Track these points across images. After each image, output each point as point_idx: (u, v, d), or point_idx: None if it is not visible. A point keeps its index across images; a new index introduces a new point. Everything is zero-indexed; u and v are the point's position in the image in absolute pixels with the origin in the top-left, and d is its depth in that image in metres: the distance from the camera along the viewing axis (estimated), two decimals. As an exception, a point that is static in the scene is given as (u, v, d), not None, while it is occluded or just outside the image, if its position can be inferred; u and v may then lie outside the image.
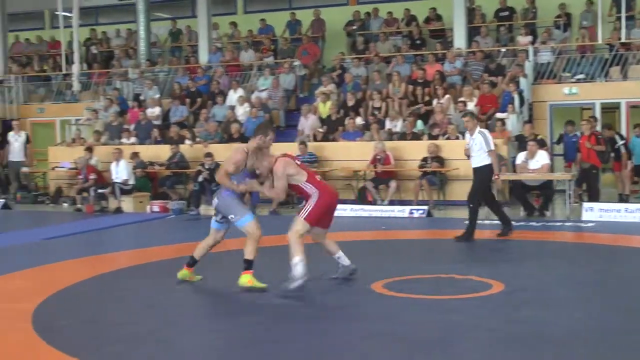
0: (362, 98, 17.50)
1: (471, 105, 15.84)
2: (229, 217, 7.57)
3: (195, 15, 22.42)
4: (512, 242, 10.57)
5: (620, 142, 14.87)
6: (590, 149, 13.83)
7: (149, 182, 16.53)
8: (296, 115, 17.96)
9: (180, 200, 15.65)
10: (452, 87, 17.13)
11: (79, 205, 16.00)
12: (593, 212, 12.78)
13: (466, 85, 16.97)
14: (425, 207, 13.90)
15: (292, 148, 15.53)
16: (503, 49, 18.39)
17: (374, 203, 14.90)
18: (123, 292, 7.85)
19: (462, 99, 16.03)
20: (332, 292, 7.56)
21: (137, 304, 7.35)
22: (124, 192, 15.65)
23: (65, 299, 7.49)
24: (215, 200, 7.70)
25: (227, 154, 8.29)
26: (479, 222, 10.78)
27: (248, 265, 7.45)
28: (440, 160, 14.78)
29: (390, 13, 21.21)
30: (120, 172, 15.75)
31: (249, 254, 7.46)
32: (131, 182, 15.82)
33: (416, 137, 15.73)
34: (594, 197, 13.67)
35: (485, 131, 10.82)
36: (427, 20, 20.68)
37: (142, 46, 21.63)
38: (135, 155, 16.55)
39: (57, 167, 18.07)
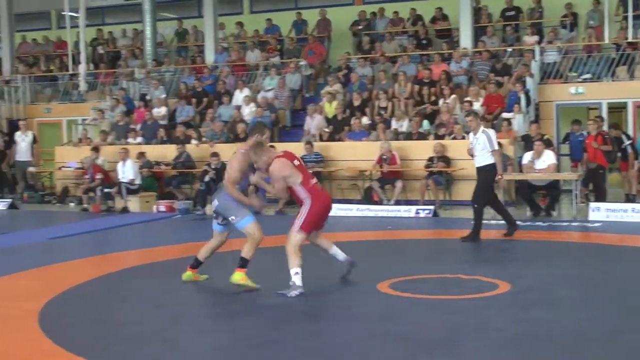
0: (368, 98, 17.49)
1: (477, 105, 15.81)
2: (230, 218, 7.54)
3: (202, 15, 22.43)
4: (519, 242, 10.55)
5: (627, 142, 14.82)
6: (597, 148, 13.79)
7: (155, 181, 16.56)
8: (302, 115, 17.97)
9: (187, 200, 15.67)
10: (458, 87, 17.11)
11: (85, 205, 16.03)
12: (600, 212, 12.75)
13: (472, 85, 16.94)
14: (432, 207, 13.89)
15: (298, 148, 15.55)
16: (509, 49, 18.36)
17: (380, 203, 14.90)
18: (129, 292, 7.87)
19: (468, 98, 16.00)
20: (338, 292, 7.56)
21: (143, 303, 7.36)
22: (131, 191, 15.68)
23: (72, 298, 7.51)
24: (215, 202, 7.65)
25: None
26: (485, 222, 10.76)
27: (243, 263, 7.44)
28: (447, 160, 14.77)
29: (396, 13, 21.20)
30: (127, 171, 15.78)
31: (246, 253, 7.45)
32: (137, 181, 15.85)
33: (422, 137, 15.72)
34: (601, 197, 13.63)
35: (489, 131, 10.78)
36: (433, 20, 20.66)
37: (148, 46, 21.66)
38: (141, 155, 16.58)
39: (63, 167, 18.11)
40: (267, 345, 5.80)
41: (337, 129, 16.63)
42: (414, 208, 13.98)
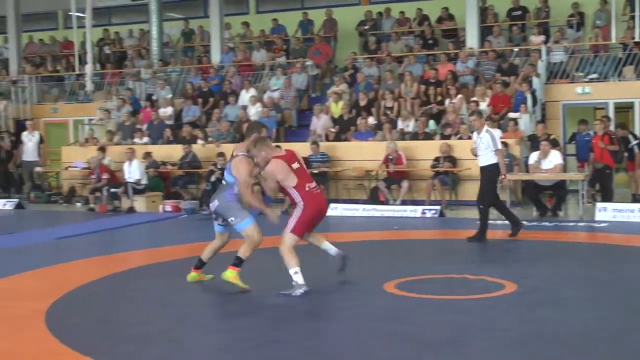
0: (374, 98, 17.48)
1: (484, 105, 15.80)
2: (229, 219, 7.53)
3: (208, 16, 22.45)
4: (525, 243, 10.53)
5: (634, 142, 14.78)
6: (604, 148, 13.77)
7: (161, 181, 16.58)
8: (308, 115, 17.97)
9: (193, 200, 15.69)
10: (465, 87, 17.10)
11: (91, 205, 16.06)
12: (606, 212, 12.72)
13: (478, 85, 16.92)
14: (438, 207, 13.88)
15: (305, 148, 15.57)
16: (516, 49, 18.33)
17: (386, 203, 14.89)
18: (135, 292, 7.88)
19: (474, 98, 15.99)
20: (344, 292, 7.56)
21: (149, 303, 7.37)
22: (137, 191, 15.70)
23: (78, 298, 7.53)
24: (215, 202, 7.62)
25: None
26: (490, 222, 10.74)
27: (238, 262, 7.44)
28: (453, 160, 14.75)
29: (402, 13, 21.19)
30: (133, 171, 15.81)
31: (242, 253, 7.45)
32: (144, 181, 15.88)
33: (428, 137, 15.71)
34: (607, 197, 13.60)
35: (492, 130, 10.76)
36: (440, 20, 20.64)
37: (154, 46, 21.69)
38: (147, 155, 16.60)
39: (70, 166, 18.15)
40: (272, 345, 5.80)
41: (343, 129, 16.63)
42: (420, 208, 13.97)
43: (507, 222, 11.13)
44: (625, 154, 14.60)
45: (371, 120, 16.62)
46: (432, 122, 16.10)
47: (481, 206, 10.59)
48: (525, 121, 15.51)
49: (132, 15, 25.48)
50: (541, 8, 19.87)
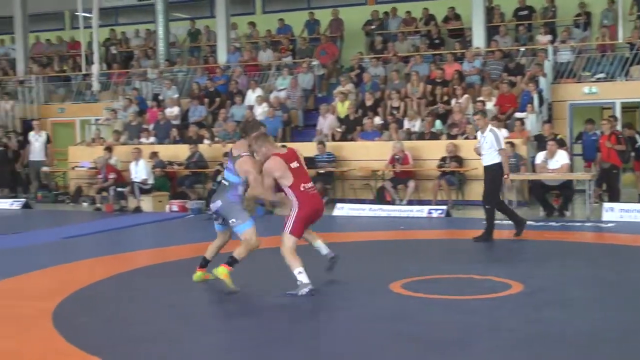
0: (380, 98, 17.47)
1: (490, 105, 15.78)
2: (230, 221, 7.53)
3: (214, 16, 22.47)
4: (531, 243, 10.52)
5: (641, 142, 14.76)
6: (611, 148, 13.75)
7: (168, 181, 16.60)
8: (314, 115, 17.98)
9: (199, 200, 15.71)
10: (471, 87, 17.07)
11: (98, 205, 16.10)
12: (613, 212, 12.69)
13: (485, 84, 16.90)
14: (444, 207, 13.87)
15: (311, 148, 15.58)
16: (522, 48, 18.30)
17: (392, 203, 14.88)
18: (142, 292, 7.90)
19: (481, 98, 15.96)
20: (350, 291, 7.55)
21: (156, 303, 7.38)
22: (143, 191, 15.73)
23: (85, 297, 7.54)
24: (218, 203, 7.61)
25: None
26: (497, 222, 10.73)
27: (232, 261, 7.44)
28: (459, 160, 14.74)
29: (408, 12, 21.18)
30: (140, 171, 15.83)
31: (237, 254, 7.45)
32: (150, 181, 15.90)
33: (435, 136, 15.69)
34: (615, 197, 13.57)
35: (497, 130, 10.75)
36: (446, 20, 20.62)
37: (161, 46, 21.72)
38: (154, 154, 16.63)
39: (77, 166, 18.19)
40: (277, 344, 5.80)
41: (350, 128, 16.63)
42: (426, 208, 13.96)
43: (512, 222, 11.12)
44: (633, 154, 14.58)
45: (377, 120, 16.62)
46: (438, 122, 16.09)
47: (487, 206, 10.57)
48: (531, 121, 15.48)
49: (138, 15, 25.53)
50: (548, 8, 19.84)
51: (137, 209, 15.55)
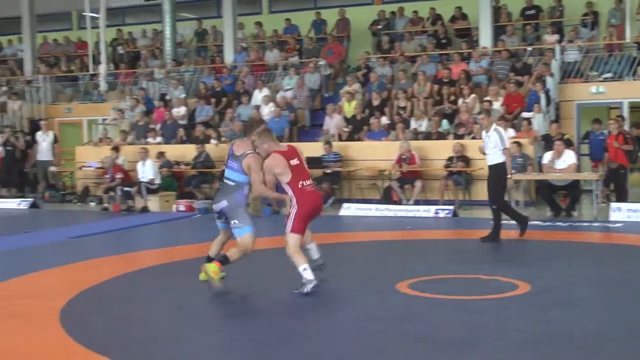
0: (387, 97, 17.47)
1: (497, 105, 15.75)
2: (232, 222, 7.56)
3: (221, 15, 22.51)
4: (539, 243, 10.50)
5: (649, 142, 14.71)
6: (618, 148, 13.71)
7: (174, 181, 16.63)
8: (321, 114, 17.98)
9: (206, 200, 15.70)
10: (478, 87, 17.05)
11: (105, 205, 16.13)
12: (621, 212, 12.65)
13: (492, 84, 16.88)
14: (451, 207, 13.85)
15: (317, 147, 15.59)
16: (529, 48, 18.29)
17: (399, 203, 14.87)
18: (149, 291, 7.91)
19: (487, 98, 15.94)
20: (357, 291, 7.55)
21: (163, 303, 7.39)
22: (150, 191, 15.75)
23: (93, 297, 7.56)
24: (224, 203, 7.62)
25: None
26: (504, 222, 10.71)
27: (224, 260, 7.47)
28: (466, 160, 14.71)
29: (415, 12, 21.17)
30: (147, 171, 15.85)
31: (231, 255, 7.48)
32: (157, 181, 15.92)
33: (442, 136, 15.68)
34: (622, 197, 13.54)
35: (501, 129, 10.72)
36: (453, 19, 20.60)
37: (168, 46, 21.76)
38: (161, 154, 16.65)
39: (84, 166, 18.24)
40: (282, 344, 5.81)
41: (356, 128, 16.63)
42: (433, 208, 13.94)
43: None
44: (640, 154, 14.54)
45: (384, 119, 16.61)
46: (445, 122, 16.07)
47: (494, 206, 10.56)
48: (538, 121, 15.45)
49: (145, 15, 25.58)
50: (555, 7, 19.80)
51: (144, 209, 15.58)
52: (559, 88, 17.05)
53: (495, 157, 10.45)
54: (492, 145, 10.43)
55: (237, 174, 7.62)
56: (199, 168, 16.56)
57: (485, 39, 18.68)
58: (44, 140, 18.92)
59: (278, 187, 7.65)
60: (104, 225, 13.52)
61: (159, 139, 17.96)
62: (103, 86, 21.41)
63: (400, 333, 6.03)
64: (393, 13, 21.54)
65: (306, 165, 7.72)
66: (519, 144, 14.05)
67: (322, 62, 19.64)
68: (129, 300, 7.55)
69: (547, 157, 13.33)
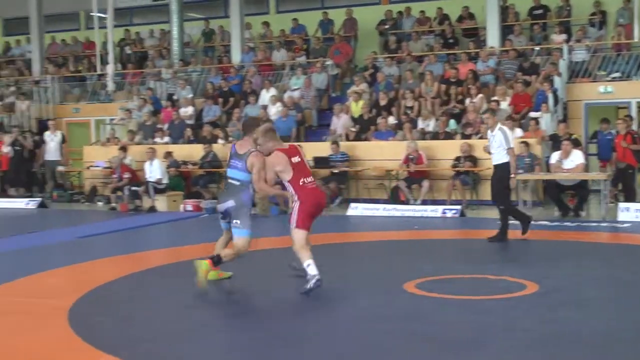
0: (394, 97, 17.45)
1: (504, 105, 15.72)
2: (234, 221, 7.59)
3: (228, 15, 22.53)
4: (547, 243, 10.48)
5: (657, 141, 14.65)
6: (626, 148, 13.67)
7: (182, 181, 16.65)
8: (328, 114, 17.98)
9: (213, 199, 15.70)
10: (485, 86, 17.02)
11: (113, 204, 16.17)
12: (629, 212, 12.62)
13: (499, 84, 16.84)
14: (458, 207, 13.83)
15: (325, 147, 15.59)
16: (537, 48, 18.24)
17: (406, 203, 14.86)
18: (156, 291, 7.93)
19: (495, 98, 15.91)
20: (364, 291, 7.55)
21: (170, 302, 7.40)
22: (158, 191, 15.78)
23: (100, 296, 7.58)
24: (230, 202, 7.63)
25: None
26: (512, 222, 10.69)
27: (218, 260, 7.52)
28: (473, 160, 14.69)
29: (422, 12, 21.15)
30: (154, 171, 15.88)
31: (224, 255, 7.54)
32: (165, 181, 15.95)
33: (449, 136, 15.66)
34: (630, 197, 13.50)
35: (506, 128, 10.70)
36: (460, 19, 20.57)
37: (175, 46, 21.79)
38: (168, 154, 16.68)
39: (92, 166, 18.29)
40: (288, 344, 5.81)
41: (364, 128, 16.62)
42: (440, 208, 13.93)
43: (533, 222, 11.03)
44: (648, 154, 14.47)
45: (391, 119, 16.60)
46: (452, 122, 16.05)
47: (501, 207, 10.54)
48: (546, 120, 15.41)
49: (153, 15, 25.63)
50: (563, 7, 19.75)
51: (152, 209, 15.61)
52: (566, 88, 17.01)
53: (499, 156, 10.44)
54: (497, 145, 10.42)
55: (242, 172, 7.64)
56: (207, 168, 16.58)
57: (492, 38, 18.65)
58: (52, 140, 18.97)
59: (281, 187, 7.69)
60: (112, 225, 13.54)
61: (166, 138, 17.99)
62: (111, 86, 21.45)
63: (408, 333, 6.03)
64: (400, 13, 21.53)
65: (307, 164, 7.77)
66: (526, 144, 14.03)
67: (329, 62, 19.64)
68: (136, 300, 7.57)
69: (555, 157, 13.30)
